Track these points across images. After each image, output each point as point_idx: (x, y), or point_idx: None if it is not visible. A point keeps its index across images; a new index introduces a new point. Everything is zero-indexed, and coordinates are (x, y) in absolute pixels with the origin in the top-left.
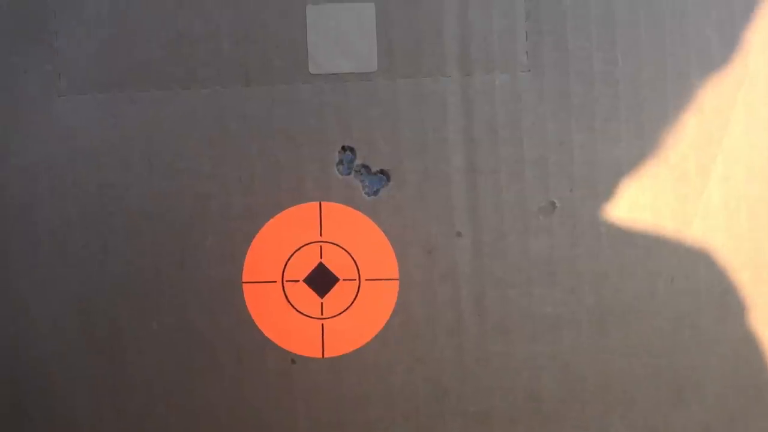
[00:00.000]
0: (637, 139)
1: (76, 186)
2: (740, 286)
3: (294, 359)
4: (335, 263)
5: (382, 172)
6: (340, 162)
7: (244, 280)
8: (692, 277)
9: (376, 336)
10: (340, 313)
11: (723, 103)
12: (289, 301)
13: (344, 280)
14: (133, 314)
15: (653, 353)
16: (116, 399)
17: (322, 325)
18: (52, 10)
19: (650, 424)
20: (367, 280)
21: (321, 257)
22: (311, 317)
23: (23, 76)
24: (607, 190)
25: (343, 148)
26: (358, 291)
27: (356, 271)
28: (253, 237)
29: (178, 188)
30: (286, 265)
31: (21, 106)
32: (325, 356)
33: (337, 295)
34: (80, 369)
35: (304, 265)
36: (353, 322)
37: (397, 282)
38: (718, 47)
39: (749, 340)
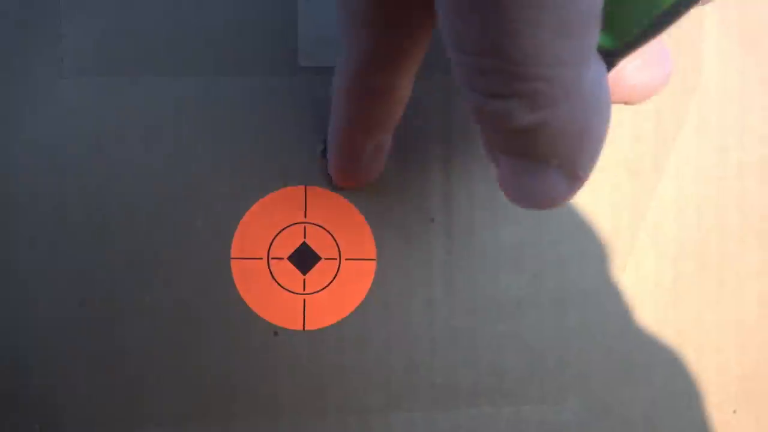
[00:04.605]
0: None
1: (77, 164)
2: (687, 275)
3: (276, 331)
4: (318, 243)
5: None
6: (326, 149)
7: (232, 257)
8: (643, 266)
9: (354, 311)
10: (320, 290)
11: (677, 109)
12: (273, 277)
13: (325, 258)
14: (129, 289)
15: (607, 335)
16: (111, 368)
17: (304, 300)
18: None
19: (602, 399)
20: (346, 259)
21: (305, 237)
22: (294, 292)
23: (29, 59)
24: None
25: None
26: (338, 269)
27: (337, 251)
28: (242, 216)
29: (173, 170)
30: (271, 243)
31: (27, 86)
32: (306, 329)
33: (318, 272)
34: (78, 339)
35: (289, 244)
36: (333, 298)
37: (375, 262)
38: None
39: (693, 325)
